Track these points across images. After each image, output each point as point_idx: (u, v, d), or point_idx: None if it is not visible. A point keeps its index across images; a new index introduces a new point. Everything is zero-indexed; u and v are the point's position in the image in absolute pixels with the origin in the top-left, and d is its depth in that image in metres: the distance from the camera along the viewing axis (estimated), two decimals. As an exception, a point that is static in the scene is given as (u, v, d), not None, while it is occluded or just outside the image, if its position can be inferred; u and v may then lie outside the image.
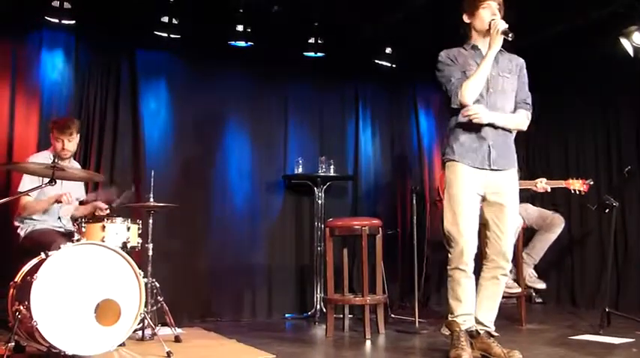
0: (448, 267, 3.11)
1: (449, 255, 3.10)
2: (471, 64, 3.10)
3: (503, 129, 3.11)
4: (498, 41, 3.00)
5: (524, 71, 3.25)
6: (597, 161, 5.42)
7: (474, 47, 3.18)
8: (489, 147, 3.07)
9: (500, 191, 3.10)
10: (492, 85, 3.10)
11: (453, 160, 3.09)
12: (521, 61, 3.26)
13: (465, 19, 3.20)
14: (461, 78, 3.06)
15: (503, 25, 2.98)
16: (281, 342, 3.76)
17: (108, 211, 3.87)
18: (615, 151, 5.43)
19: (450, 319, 3.05)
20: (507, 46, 3.15)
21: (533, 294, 4.89)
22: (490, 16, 3.07)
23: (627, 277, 5.23)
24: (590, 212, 5.21)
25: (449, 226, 3.07)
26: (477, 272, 3.13)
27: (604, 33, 4.79)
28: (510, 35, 2.98)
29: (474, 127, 3.06)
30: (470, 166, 3.06)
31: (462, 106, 3.02)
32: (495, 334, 3.13)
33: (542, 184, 4.46)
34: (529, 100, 3.21)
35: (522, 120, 3.17)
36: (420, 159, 5.98)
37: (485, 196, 3.11)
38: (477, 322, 3.11)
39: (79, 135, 3.92)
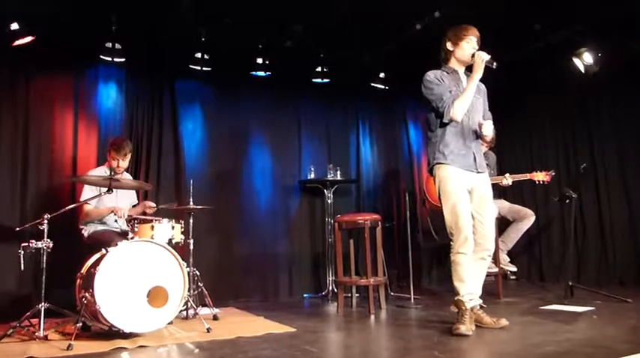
0: (451, 253, 3.01)
1: (451, 243, 3.01)
2: (452, 84, 3.10)
3: (480, 140, 3.17)
4: (482, 69, 2.98)
5: (486, 95, 3.30)
6: (558, 160, 5.35)
7: (454, 71, 3.15)
8: (474, 154, 3.10)
9: (481, 188, 3.11)
10: (471, 103, 3.10)
11: (446, 163, 3.04)
12: (484, 86, 3.27)
13: (449, 46, 3.14)
14: (450, 97, 3.03)
15: (487, 56, 2.97)
16: (301, 318, 3.72)
17: (155, 208, 3.85)
18: (572, 151, 5.35)
19: (456, 298, 2.99)
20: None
21: (508, 272, 4.80)
22: (471, 49, 3.06)
23: (586, 256, 5.15)
24: (553, 203, 5.14)
25: (450, 218, 3.01)
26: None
27: (560, 54, 4.73)
28: (495, 65, 2.97)
29: (461, 138, 3.08)
30: (459, 168, 3.05)
31: (451, 121, 3.02)
32: (484, 305, 3.13)
33: (506, 179, 4.39)
34: (490, 118, 3.26)
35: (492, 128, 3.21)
36: (411, 164, 5.92)
37: (470, 193, 3.09)
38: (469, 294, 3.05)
39: (130, 154, 3.88)
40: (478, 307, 3.09)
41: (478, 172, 3.11)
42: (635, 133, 4.85)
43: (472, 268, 3.04)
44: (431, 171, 3.17)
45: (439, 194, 3.08)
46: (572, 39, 4.58)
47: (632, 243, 4.85)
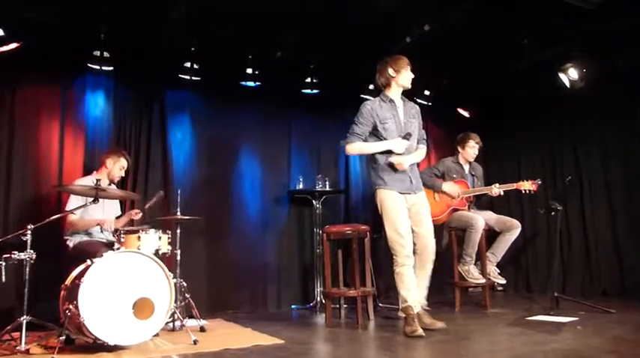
0: (396, 267, 3.35)
1: (395, 257, 3.36)
2: (387, 116, 3.44)
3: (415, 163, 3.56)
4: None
5: (420, 115, 3.62)
6: (544, 172, 5.42)
7: (391, 101, 3.49)
8: (410, 177, 3.46)
9: (418, 206, 3.47)
10: (406, 128, 3.45)
11: (386, 188, 3.40)
12: (417, 107, 3.63)
13: (391, 73, 3.47)
14: (361, 136, 3.44)
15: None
16: (288, 329, 3.71)
17: (141, 214, 3.82)
18: (558, 164, 5.44)
19: (405, 305, 3.32)
20: (409, 94, 3.61)
21: (496, 284, 4.83)
22: (410, 75, 3.47)
23: (571, 267, 5.22)
24: (539, 215, 5.21)
25: (394, 236, 3.35)
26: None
27: (548, 68, 4.81)
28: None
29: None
30: (398, 192, 3.41)
31: (344, 147, 3.50)
32: (427, 308, 3.51)
33: (496, 189, 4.43)
34: (425, 137, 3.67)
35: (423, 154, 3.62)
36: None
37: (409, 211, 3.44)
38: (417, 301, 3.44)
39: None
40: (422, 310, 3.42)
41: (415, 193, 3.47)
42: (619, 147, 4.95)
43: (417, 277, 3.42)
44: (373, 194, 3.52)
45: (381, 215, 3.43)
46: (560, 54, 4.67)
47: (615, 255, 4.92)
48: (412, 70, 3.50)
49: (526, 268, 5.62)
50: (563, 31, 4.31)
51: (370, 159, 3.55)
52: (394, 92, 3.51)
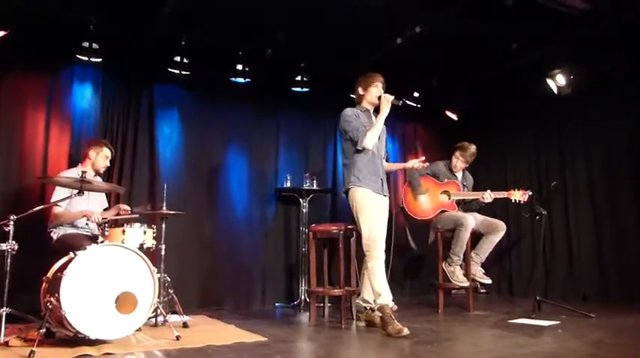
0: (372, 262, 3.46)
1: (369, 253, 3.48)
2: (367, 122, 3.68)
3: (384, 168, 3.78)
4: (388, 108, 3.59)
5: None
6: (530, 177, 5.49)
7: (367, 111, 3.77)
8: (381, 180, 3.69)
9: (385, 208, 3.71)
10: (380, 138, 3.71)
11: (362, 187, 3.58)
12: (385, 127, 3.79)
13: (360, 91, 3.77)
14: (364, 129, 3.59)
15: (392, 97, 3.60)
16: (272, 327, 3.70)
17: (129, 211, 3.80)
18: (543, 169, 5.51)
19: (382, 303, 3.40)
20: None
21: (479, 286, 4.88)
22: (378, 92, 3.68)
23: (554, 271, 5.28)
24: (523, 219, 5.27)
25: (370, 233, 3.50)
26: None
27: (536, 74, 4.87)
28: (400, 102, 3.73)
29: (372, 165, 3.64)
30: (372, 191, 3.60)
31: (364, 149, 3.57)
32: (375, 308, 3.53)
33: (488, 195, 4.48)
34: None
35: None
36: (387, 176, 5.91)
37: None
38: (365, 301, 3.70)
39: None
40: (370, 310, 3.58)
41: (384, 195, 3.69)
42: (602, 153, 5.02)
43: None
44: (346, 193, 3.67)
45: (356, 212, 3.59)
46: (547, 59, 4.73)
47: (597, 260, 5.00)
48: (392, 81, 3.71)
49: (509, 271, 5.69)
50: (550, 36, 4.36)
51: (344, 157, 3.73)
52: (367, 105, 3.77)
